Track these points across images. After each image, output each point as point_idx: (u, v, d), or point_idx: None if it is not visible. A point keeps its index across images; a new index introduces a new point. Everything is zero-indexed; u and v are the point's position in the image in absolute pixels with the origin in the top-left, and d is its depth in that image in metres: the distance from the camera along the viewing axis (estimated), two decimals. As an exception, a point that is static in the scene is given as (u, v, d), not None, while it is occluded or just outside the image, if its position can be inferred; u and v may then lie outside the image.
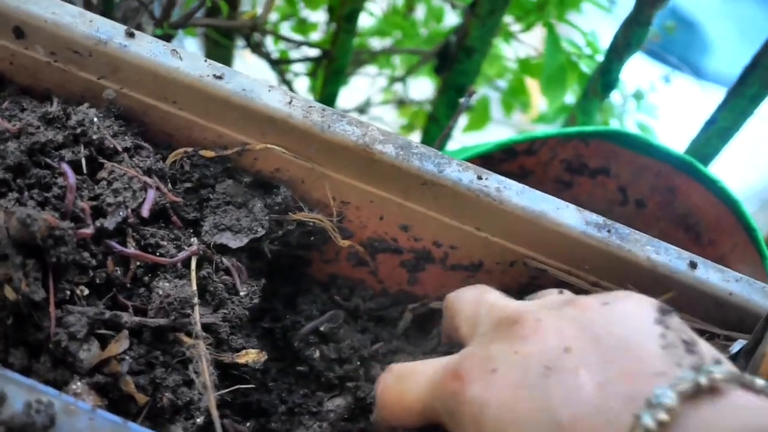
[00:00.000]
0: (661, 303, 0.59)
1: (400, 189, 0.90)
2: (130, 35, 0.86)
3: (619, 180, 1.25)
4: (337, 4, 1.76)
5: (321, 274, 1.02)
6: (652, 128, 1.94)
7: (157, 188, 0.86)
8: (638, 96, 1.96)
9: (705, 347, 0.55)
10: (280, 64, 1.94)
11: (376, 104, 2.41)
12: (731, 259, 1.14)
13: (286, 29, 2.15)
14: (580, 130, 1.21)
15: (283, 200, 0.91)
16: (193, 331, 0.80)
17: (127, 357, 0.78)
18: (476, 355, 0.61)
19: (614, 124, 1.93)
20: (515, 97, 2.12)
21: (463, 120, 2.23)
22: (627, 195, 1.27)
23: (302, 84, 2.20)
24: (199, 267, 0.86)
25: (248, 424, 0.90)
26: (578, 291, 0.83)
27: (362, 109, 2.38)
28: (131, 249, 0.82)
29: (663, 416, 0.47)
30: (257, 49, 1.77)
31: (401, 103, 2.41)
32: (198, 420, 0.78)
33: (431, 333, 0.97)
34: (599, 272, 0.88)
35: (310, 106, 0.87)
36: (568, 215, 0.87)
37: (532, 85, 2.09)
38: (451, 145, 2.02)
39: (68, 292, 0.77)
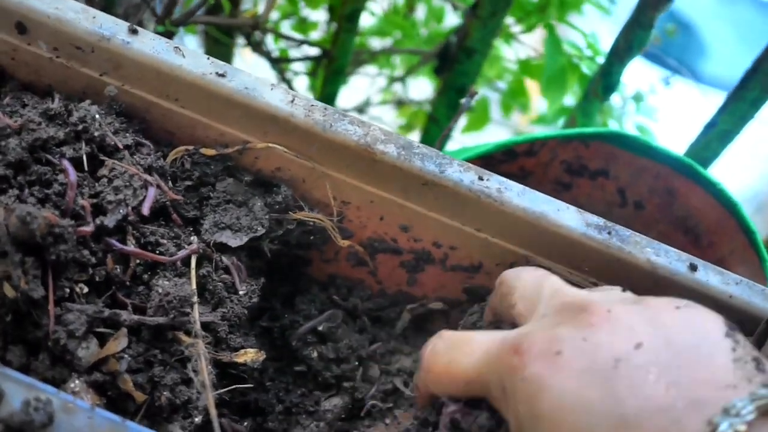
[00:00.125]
0: (725, 319, 0.60)
1: (401, 189, 0.89)
2: (133, 32, 0.86)
3: (619, 182, 1.25)
4: (338, 3, 1.76)
5: (320, 274, 1.02)
6: (652, 131, 1.94)
7: (158, 186, 0.85)
8: (638, 98, 1.97)
9: None
10: (279, 63, 1.94)
11: (375, 104, 2.41)
12: (730, 262, 1.14)
13: (286, 28, 2.15)
14: (580, 132, 1.21)
15: (283, 199, 0.91)
16: (192, 329, 0.80)
17: (126, 355, 0.77)
18: (539, 334, 0.60)
19: (614, 127, 1.93)
20: (514, 98, 2.12)
21: (462, 120, 2.23)
22: (626, 197, 1.27)
23: (302, 83, 2.20)
24: (198, 265, 0.85)
25: (246, 423, 0.90)
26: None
27: (361, 109, 2.38)
28: (131, 247, 0.82)
29: (741, 427, 0.48)
30: (257, 47, 1.77)
31: (400, 103, 2.41)
32: (196, 419, 0.78)
33: (430, 333, 0.97)
34: (599, 274, 0.88)
35: (312, 105, 0.86)
36: (568, 217, 0.87)
37: (531, 86, 2.09)
38: (451, 146, 2.02)
39: (67, 290, 0.76)
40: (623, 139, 1.19)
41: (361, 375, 0.96)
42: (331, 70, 1.79)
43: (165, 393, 0.78)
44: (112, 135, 0.85)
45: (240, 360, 0.85)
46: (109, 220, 0.80)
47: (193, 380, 0.78)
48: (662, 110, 2.06)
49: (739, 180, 3.26)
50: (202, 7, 1.30)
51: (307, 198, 0.93)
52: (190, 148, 0.90)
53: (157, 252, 0.84)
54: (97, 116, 0.85)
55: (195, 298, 0.81)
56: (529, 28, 1.88)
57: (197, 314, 0.80)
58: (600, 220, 0.87)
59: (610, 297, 0.63)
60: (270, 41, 2.08)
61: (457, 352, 0.67)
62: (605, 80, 1.52)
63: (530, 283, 0.71)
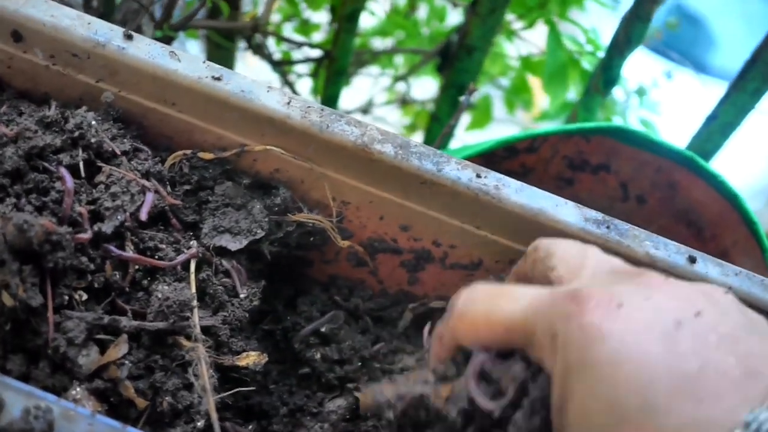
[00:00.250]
0: None
1: (400, 188, 0.89)
2: (128, 37, 0.86)
3: (620, 176, 1.25)
4: (339, 4, 1.76)
5: (321, 275, 1.02)
6: (655, 124, 1.94)
7: (156, 191, 0.85)
8: (641, 92, 1.96)
9: None
10: (281, 66, 1.94)
11: (379, 104, 2.41)
12: (733, 254, 1.14)
13: (288, 30, 2.15)
14: (581, 127, 1.21)
15: (282, 201, 0.91)
16: (193, 334, 0.80)
17: (127, 361, 0.78)
18: (597, 287, 0.59)
19: (617, 121, 1.93)
20: (518, 95, 2.12)
21: (465, 118, 2.23)
22: (628, 191, 1.26)
23: (305, 85, 2.20)
24: (198, 270, 0.85)
25: (250, 426, 0.90)
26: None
27: (365, 110, 2.38)
28: (130, 253, 0.82)
29: None
30: (259, 50, 1.77)
31: (404, 102, 2.41)
32: (198, 423, 0.78)
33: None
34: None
35: (309, 107, 0.86)
36: (566, 212, 0.87)
37: (535, 82, 2.09)
38: (454, 144, 2.02)
39: (66, 298, 0.77)
40: (624, 134, 1.19)
41: (364, 375, 0.96)
42: (332, 71, 1.79)
43: (167, 398, 0.78)
44: (110, 141, 0.85)
45: (242, 363, 0.85)
46: (107, 227, 0.80)
47: (195, 385, 0.78)
48: (667, 103, 2.06)
49: (747, 175, 3.25)
50: (201, 11, 1.29)
51: (306, 199, 0.93)
52: (188, 152, 0.90)
53: (156, 257, 0.84)
54: (93, 123, 0.85)
55: (195, 303, 0.81)
56: (530, 25, 1.87)
57: (197, 318, 0.80)
58: (598, 215, 0.87)
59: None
60: (272, 44, 2.08)
61: (500, 299, 0.65)
62: (606, 74, 1.52)
63: (572, 248, 0.70)
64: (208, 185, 0.91)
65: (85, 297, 0.78)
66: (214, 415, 0.76)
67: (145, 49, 0.86)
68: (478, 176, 0.87)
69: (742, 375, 0.51)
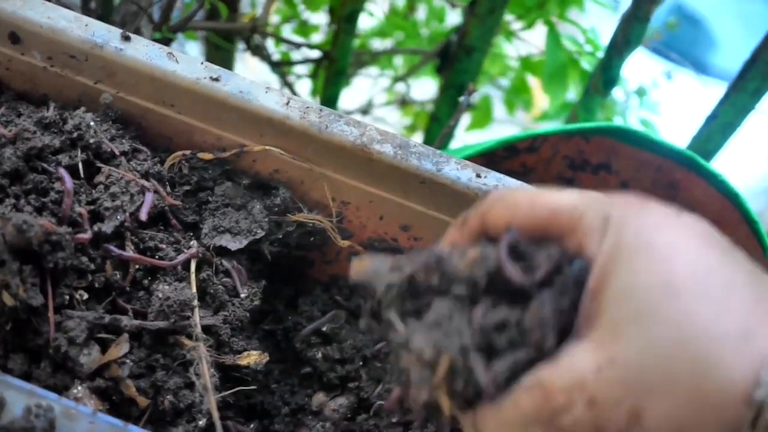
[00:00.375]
0: None
1: (400, 188, 0.90)
2: (126, 39, 0.86)
3: (621, 175, 1.25)
4: (338, 5, 1.76)
5: (322, 275, 1.02)
6: (655, 124, 1.94)
7: (156, 191, 0.86)
8: (640, 93, 1.96)
9: None
10: (280, 66, 1.94)
11: (378, 105, 2.41)
12: (734, 252, 1.14)
13: (287, 31, 2.15)
14: (581, 127, 1.20)
15: (282, 201, 0.91)
16: (194, 333, 0.80)
17: (128, 360, 0.78)
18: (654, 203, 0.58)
19: (617, 121, 1.93)
20: (518, 95, 2.12)
21: (465, 119, 2.23)
22: (629, 190, 1.26)
23: (304, 86, 2.20)
24: (198, 269, 0.86)
25: (252, 425, 0.90)
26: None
27: (365, 110, 2.38)
28: (130, 252, 0.82)
29: None
30: (257, 51, 1.77)
31: (404, 103, 2.41)
32: (200, 422, 0.79)
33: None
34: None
35: (308, 107, 0.87)
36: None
37: (534, 83, 2.09)
38: (454, 144, 2.02)
39: (67, 297, 0.77)
40: (624, 133, 1.19)
41: (366, 375, 0.96)
42: (332, 72, 1.79)
43: (168, 397, 0.78)
44: (108, 142, 0.86)
45: (243, 362, 0.85)
46: (107, 227, 0.80)
47: (196, 384, 0.78)
48: (667, 104, 2.06)
49: (747, 175, 3.25)
50: (200, 13, 1.29)
51: (306, 199, 0.93)
52: (188, 153, 0.90)
53: (157, 257, 0.84)
54: (92, 124, 0.85)
55: (195, 302, 0.81)
56: (530, 25, 1.87)
57: (198, 318, 0.81)
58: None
59: None
60: (271, 45, 2.08)
61: (542, 192, 0.62)
62: (605, 75, 1.52)
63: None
64: (208, 186, 0.91)
65: (85, 296, 0.78)
66: (216, 414, 0.76)
67: (143, 51, 0.86)
68: (478, 176, 0.87)
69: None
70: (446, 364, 0.57)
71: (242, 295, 0.87)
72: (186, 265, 0.85)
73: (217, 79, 0.85)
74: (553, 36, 1.70)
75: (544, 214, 0.60)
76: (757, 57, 1.35)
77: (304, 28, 2.12)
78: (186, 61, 0.86)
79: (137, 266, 0.83)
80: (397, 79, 2.30)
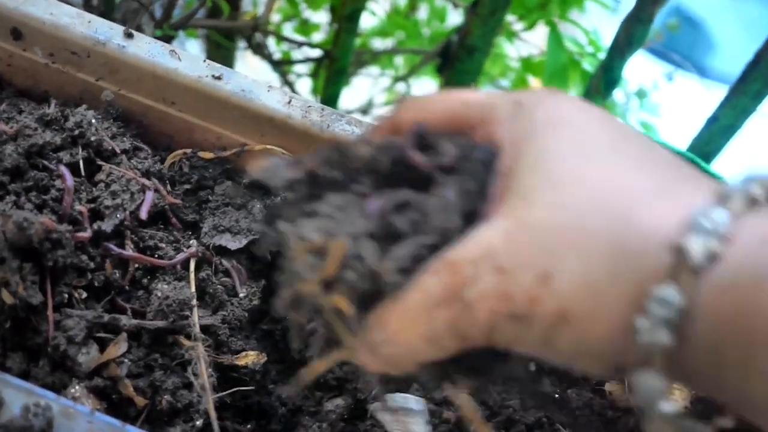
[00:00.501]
0: None
1: (400, 189, 0.89)
2: (129, 36, 0.86)
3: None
4: (339, 3, 1.75)
5: (322, 275, 1.02)
6: (655, 126, 1.94)
7: (156, 190, 0.85)
8: (641, 94, 1.96)
9: None
10: (281, 65, 1.94)
11: (379, 105, 2.41)
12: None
13: (289, 30, 2.15)
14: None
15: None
16: (192, 333, 0.80)
17: (126, 360, 0.78)
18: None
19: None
20: (518, 96, 2.12)
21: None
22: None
23: (305, 85, 2.20)
24: (198, 269, 0.85)
25: (248, 426, 0.90)
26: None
27: (365, 110, 2.38)
28: (129, 251, 0.82)
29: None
30: (258, 50, 1.77)
31: (404, 103, 2.41)
32: (197, 422, 0.78)
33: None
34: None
35: (309, 106, 0.86)
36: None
37: (535, 83, 2.09)
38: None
39: (66, 296, 0.76)
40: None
41: (363, 376, 0.95)
42: (332, 71, 1.78)
43: (166, 397, 0.78)
44: (109, 139, 0.85)
45: (241, 363, 0.85)
46: (107, 225, 0.80)
47: (194, 384, 0.78)
48: (667, 105, 2.06)
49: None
50: (201, 11, 1.29)
51: (307, 199, 0.93)
52: (188, 151, 0.90)
53: (156, 256, 0.84)
54: (93, 121, 0.85)
55: (194, 302, 0.81)
56: (531, 26, 1.87)
57: (197, 317, 0.80)
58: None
59: None
60: (272, 44, 2.08)
61: (456, 91, 0.60)
62: (606, 76, 1.51)
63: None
64: (208, 185, 0.91)
65: (85, 295, 0.78)
66: (213, 414, 0.76)
67: (145, 48, 0.86)
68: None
69: (676, 180, 0.48)
70: (338, 253, 0.52)
71: (241, 295, 0.87)
72: (185, 264, 0.85)
73: (219, 78, 0.85)
74: (555, 37, 1.70)
75: (456, 107, 0.57)
76: (759, 60, 1.35)
77: (306, 27, 2.11)
78: (188, 59, 0.86)
79: (137, 265, 0.82)
80: (397, 79, 2.29)
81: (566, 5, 1.81)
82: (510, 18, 1.88)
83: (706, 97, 1.82)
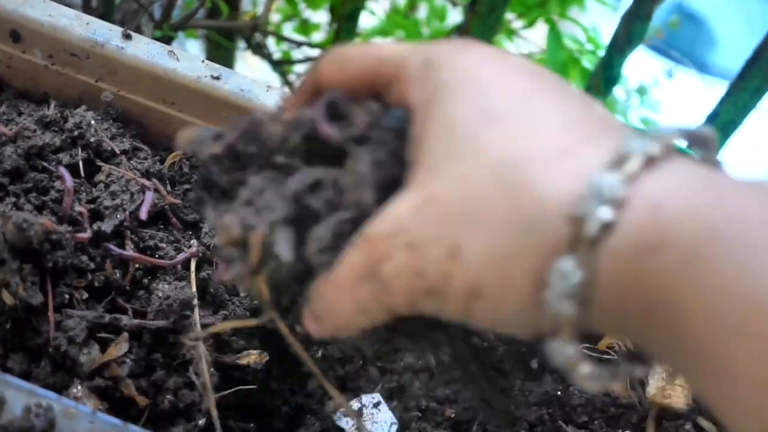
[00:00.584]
0: None
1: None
2: (127, 37, 0.86)
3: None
4: (338, 3, 1.76)
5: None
6: (656, 123, 1.94)
7: (156, 190, 0.85)
8: (641, 91, 1.96)
9: None
10: (281, 65, 1.94)
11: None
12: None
13: (288, 30, 2.15)
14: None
15: (283, 200, 0.91)
16: (193, 332, 0.80)
17: (128, 360, 0.78)
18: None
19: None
20: (518, 94, 2.12)
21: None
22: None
23: (305, 85, 2.20)
24: (199, 268, 0.85)
25: (251, 425, 0.90)
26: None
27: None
28: (130, 252, 0.82)
29: (654, 148, 0.44)
30: (258, 50, 1.77)
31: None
32: (200, 422, 0.78)
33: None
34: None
35: (308, 106, 0.86)
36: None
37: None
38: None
39: (67, 296, 0.76)
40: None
41: (365, 375, 0.96)
42: (332, 71, 1.78)
43: (168, 396, 0.78)
44: (109, 140, 0.86)
45: (243, 362, 0.85)
46: (107, 226, 0.80)
47: (196, 383, 0.78)
48: (667, 102, 2.06)
49: (747, 173, 3.25)
50: (201, 11, 1.29)
51: (307, 198, 0.93)
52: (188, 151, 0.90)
53: (157, 256, 0.84)
54: (92, 122, 0.85)
55: (195, 301, 0.81)
56: (531, 24, 1.87)
57: (198, 317, 0.80)
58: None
59: None
60: (272, 44, 2.09)
61: (372, 46, 0.58)
62: (606, 73, 1.51)
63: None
64: (209, 184, 0.91)
65: (85, 296, 0.78)
66: (215, 414, 0.76)
67: (144, 49, 0.86)
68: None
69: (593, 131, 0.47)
70: (256, 246, 0.52)
71: (242, 294, 0.87)
72: (186, 264, 0.85)
73: (218, 78, 0.85)
74: (554, 34, 1.70)
75: (372, 64, 0.56)
76: (758, 56, 1.35)
77: (305, 27, 2.11)
78: (187, 59, 0.86)
79: (137, 265, 0.82)
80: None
81: (566, 3, 1.81)
82: (509, 16, 1.88)
83: (706, 94, 1.82)
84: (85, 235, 0.78)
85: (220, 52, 1.81)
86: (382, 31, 2.16)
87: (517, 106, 0.47)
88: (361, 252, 0.49)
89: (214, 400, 0.77)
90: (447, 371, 0.83)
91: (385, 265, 0.48)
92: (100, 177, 0.84)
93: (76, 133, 0.84)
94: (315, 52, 1.97)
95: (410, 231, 0.47)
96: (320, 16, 2.16)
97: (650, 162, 0.43)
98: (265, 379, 0.93)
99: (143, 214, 0.83)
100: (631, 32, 1.41)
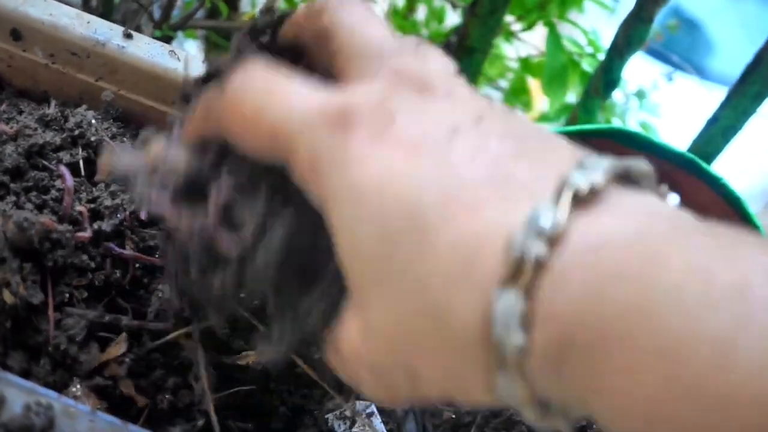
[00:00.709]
0: None
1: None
2: (128, 36, 0.86)
3: (621, 178, 1.25)
4: (338, 5, 1.75)
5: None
6: (655, 127, 1.94)
7: (156, 190, 0.85)
8: (640, 95, 1.96)
9: None
10: (281, 66, 1.94)
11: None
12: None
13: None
14: (581, 129, 1.20)
15: (283, 201, 0.91)
16: (193, 333, 0.79)
17: (127, 359, 0.77)
18: (372, 100, 0.49)
19: (617, 123, 1.93)
20: (517, 96, 2.12)
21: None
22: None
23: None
24: (198, 268, 0.85)
25: (250, 425, 0.90)
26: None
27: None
28: (130, 251, 0.82)
29: (597, 176, 0.41)
30: (258, 50, 1.76)
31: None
32: (199, 422, 0.78)
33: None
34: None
35: (309, 106, 0.86)
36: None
37: (534, 84, 2.09)
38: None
39: (67, 295, 0.76)
40: (624, 135, 1.18)
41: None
42: (331, 72, 1.78)
43: (167, 396, 0.78)
44: (109, 139, 0.85)
45: (242, 363, 0.85)
46: (107, 225, 0.80)
47: (194, 384, 0.78)
48: (666, 106, 2.06)
49: (747, 177, 3.25)
50: (200, 12, 1.29)
51: (307, 199, 0.93)
52: (189, 151, 0.90)
53: (157, 256, 0.84)
54: (93, 121, 0.85)
55: (195, 301, 0.81)
56: (530, 26, 1.87)
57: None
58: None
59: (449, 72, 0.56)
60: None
61: (273, 96, 0.52)
62: (606, 76, 1.52)
63: (376, 35, 0.58)
64: (209, 184, 0.91)
65: (85, 295, 0.78)
66: (213, 414, 0.76)
67: (144, 48, 0.86)
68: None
69: (530, 177, 0.44)
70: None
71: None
72: (186, 264, 0.85)
73: (218, 78, 0.85)
74: (554, 37, 1.70)
75: (267, 141, 0.52)
76: (758, 61, 1.35)
77: (304, 28, 2.11)
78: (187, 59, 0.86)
79: (137, 265, 0.82)
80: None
81: (565, 6, 1.81)
82: (509, 18, 1.89)
83: (705, 98, 1.83)
84: (86, 234, 0.78)
85: (219, 53, 1.81)
86: (381, 32, 2.16)
87: (412, 220, 0.44)
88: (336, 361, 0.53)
89: (213, 401, 0.77)
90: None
91: (361, 385, 0.51)
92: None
93: (76, 132, 0.84)
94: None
95: (366, 358, 0.48)
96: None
97: (592, 194, 0.41)
98: (264, 379, 0.93)
99: (143, 214, 0.83)
100: (631, 36, 1.41)
